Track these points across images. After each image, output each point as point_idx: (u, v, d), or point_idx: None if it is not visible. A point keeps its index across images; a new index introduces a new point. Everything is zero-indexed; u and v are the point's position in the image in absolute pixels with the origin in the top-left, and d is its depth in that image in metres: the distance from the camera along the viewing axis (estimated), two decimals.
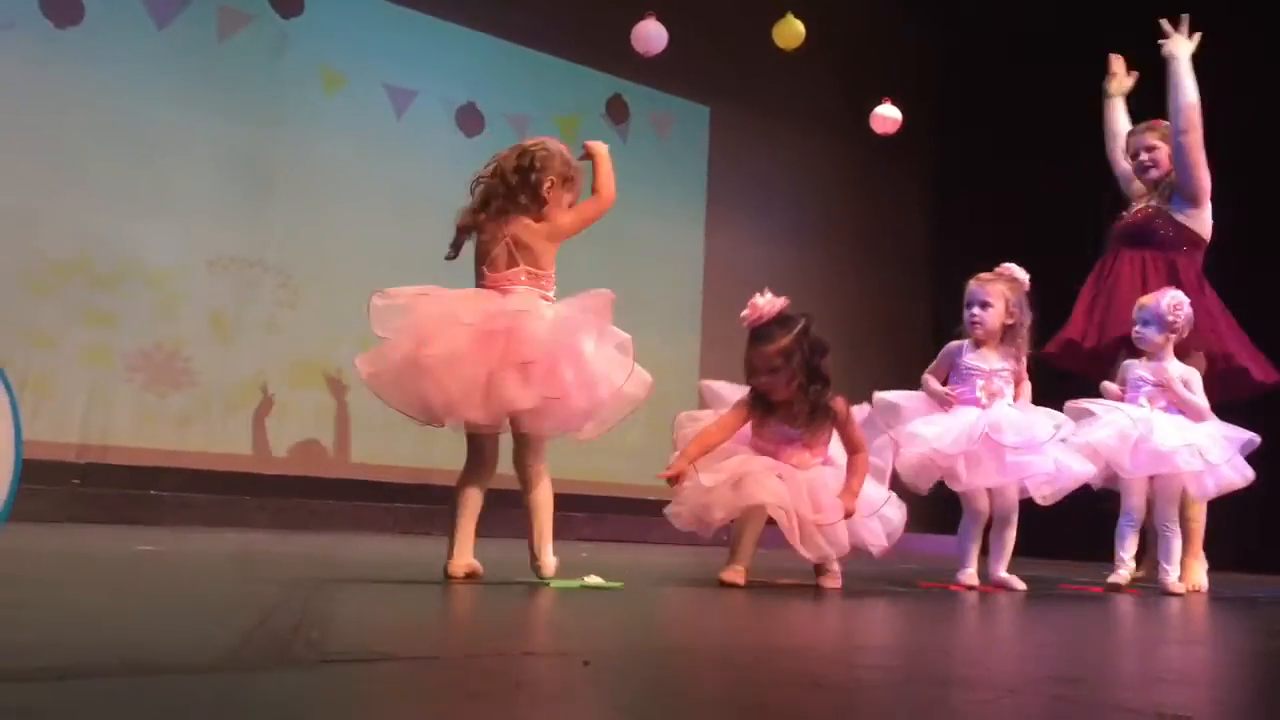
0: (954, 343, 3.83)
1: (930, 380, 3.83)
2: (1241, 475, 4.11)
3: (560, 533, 3.06)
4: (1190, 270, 4.56)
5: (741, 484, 3.13)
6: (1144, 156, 4.73)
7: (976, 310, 3.76)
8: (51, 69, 5.97)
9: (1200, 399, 4.14)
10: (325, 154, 6.74)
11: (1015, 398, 3.76)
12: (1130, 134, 4.85)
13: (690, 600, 2.85)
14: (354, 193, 6.79)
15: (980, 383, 3.73)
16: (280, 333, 6.52)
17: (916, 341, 8.70)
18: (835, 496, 3.16)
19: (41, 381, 5.72)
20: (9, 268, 5.73)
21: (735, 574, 3.12)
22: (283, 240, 6.61)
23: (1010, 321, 3.75)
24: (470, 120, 7.39)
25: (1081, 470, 3.79)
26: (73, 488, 5.49)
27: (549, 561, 2.90)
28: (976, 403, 3.70)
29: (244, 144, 6.51)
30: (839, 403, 3.23)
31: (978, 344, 3.76)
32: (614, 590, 2.83)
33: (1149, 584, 4.22)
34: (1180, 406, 4.13)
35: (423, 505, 6.10)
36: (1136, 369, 4.20)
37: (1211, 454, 4.02)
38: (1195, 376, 4.19)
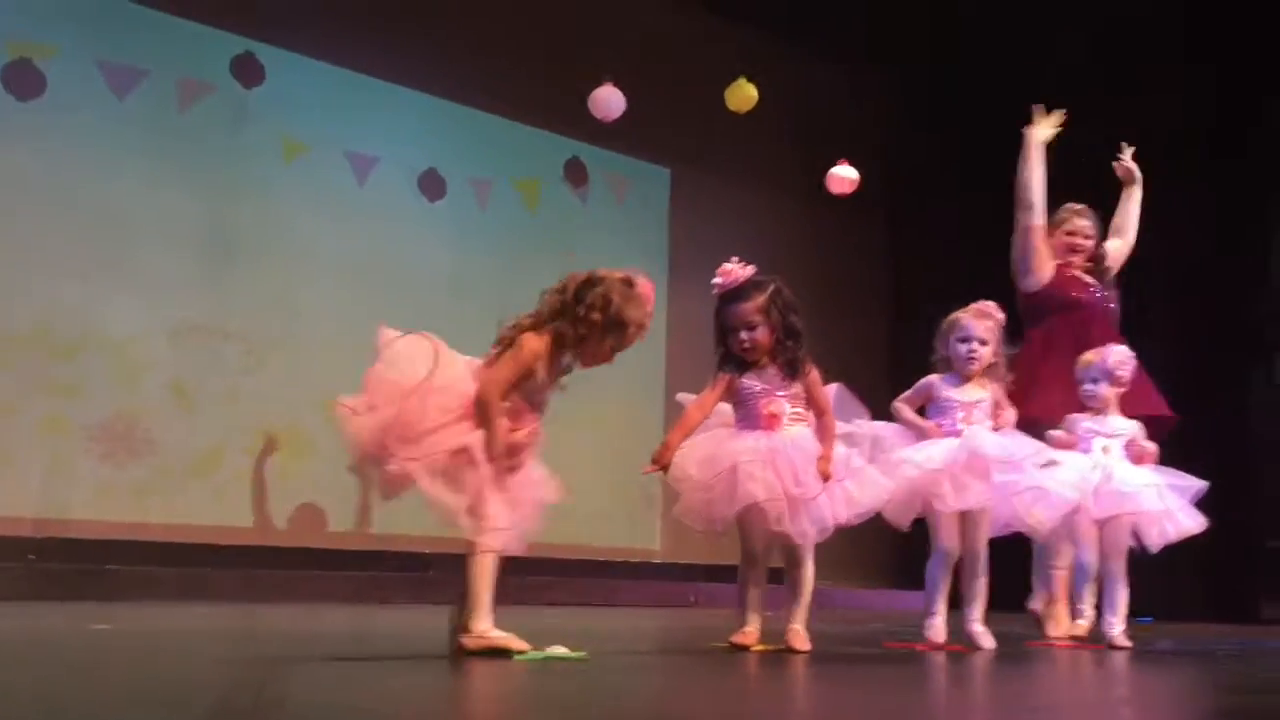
0: (932, 376, 3.88)
1: (904, 409, 3.88)
2: (1196, 522, 4.17)
3: (525, 596, 3.06)
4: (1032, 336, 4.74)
5: (735, 480, 3.21)
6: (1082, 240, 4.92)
7: (976, 346, 3.82)
8: (13, 142, 5.97)
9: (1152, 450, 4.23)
10: (287, 221, 6.76)
11: (996, 427, 3.81)
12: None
13: (647, 670, 2.84)
14: (317, 259, 6.80)
15: (960, 414, 3.77)
16: (243, 401, 6.49)
17: (880, 398, 8.76)
18: (814, 466, 3.22)
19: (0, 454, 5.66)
20: None
21: (745, 636, 3.23)
22: (245, 308, 6.60)
23: (995, 359, 3.82)
24: (432, 185, 7.44)
25: (1070, 495, 3.84)
26: (28, 564, 5.40)
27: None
28: (958, 434, 3.74)
29: (206, 213, 6.53)
30: (809, 363, 3.34)
31: (966, 379, 3.81)
32: (577, 661, 2.82)
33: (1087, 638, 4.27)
34: (1138, 458, 4.19)
35: (386, 573, 6.05)
36: (1083, 423, 4.27)
37: (1169, 498, 4.10)
38: (1140, 428, 4.27)
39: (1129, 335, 4.75)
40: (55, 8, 6.16)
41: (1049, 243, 4.85)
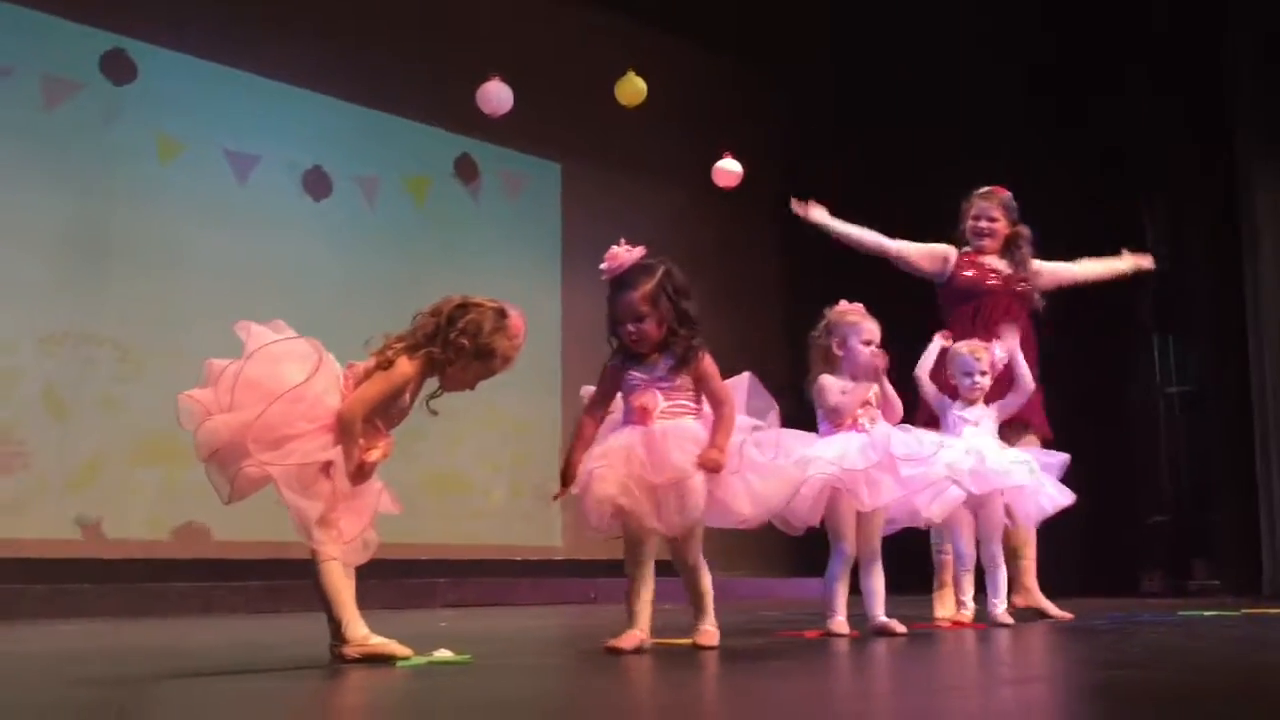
0: (825, 378, 3.90)
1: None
2: (1066, 496, 4.39)
3: (423, 600, 3.00)
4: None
5: (589, 487, 3.07)
6: (983, 223, 5.03)
7: (853, 343, 3.86)
8: None
9: None
10: (165, 223, 6.53)
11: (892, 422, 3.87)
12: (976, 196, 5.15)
13: (528, 672, 2.80)
14: (196, 261, 6.59)
15: (859, 412, 3.81)
16: (120, 409, 6.26)
17: (777, 381, 8.84)
18: (686, 452, 3.03)
19: None
20: None
21: (623, 640, 3.04)
22: (121, 314, 6.37)
23: (877, 352, 3.85)
24: (318, 184, 7.27)
25: (955, 490, 3.96)
26: None
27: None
28: (860, 429, 3.78)
29: (76, 216, 6.28)
30: (703, 353, 3.19)
31: (853, 378, 3.84)
32: (462, 665, 2.76)
33: (1027, 612, 4.45)
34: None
35: (279, 581, 5.90)
36: (954, 411, 4.43)
37: (1039, 474, 4.28)
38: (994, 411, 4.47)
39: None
40: None
41: (955, 238, 5.05)
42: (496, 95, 6.73)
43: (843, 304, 3.94)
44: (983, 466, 4.18)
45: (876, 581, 3.82)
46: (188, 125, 6.73)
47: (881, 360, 3.80)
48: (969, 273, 4.99)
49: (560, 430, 7.93)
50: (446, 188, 7.94)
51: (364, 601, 2.87)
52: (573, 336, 8.29)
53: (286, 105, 7.16)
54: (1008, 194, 5.07)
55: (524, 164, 8.30)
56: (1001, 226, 4.99)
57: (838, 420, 3.83)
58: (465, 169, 8.03)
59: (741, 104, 9.11)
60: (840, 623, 3.73)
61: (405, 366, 2.82)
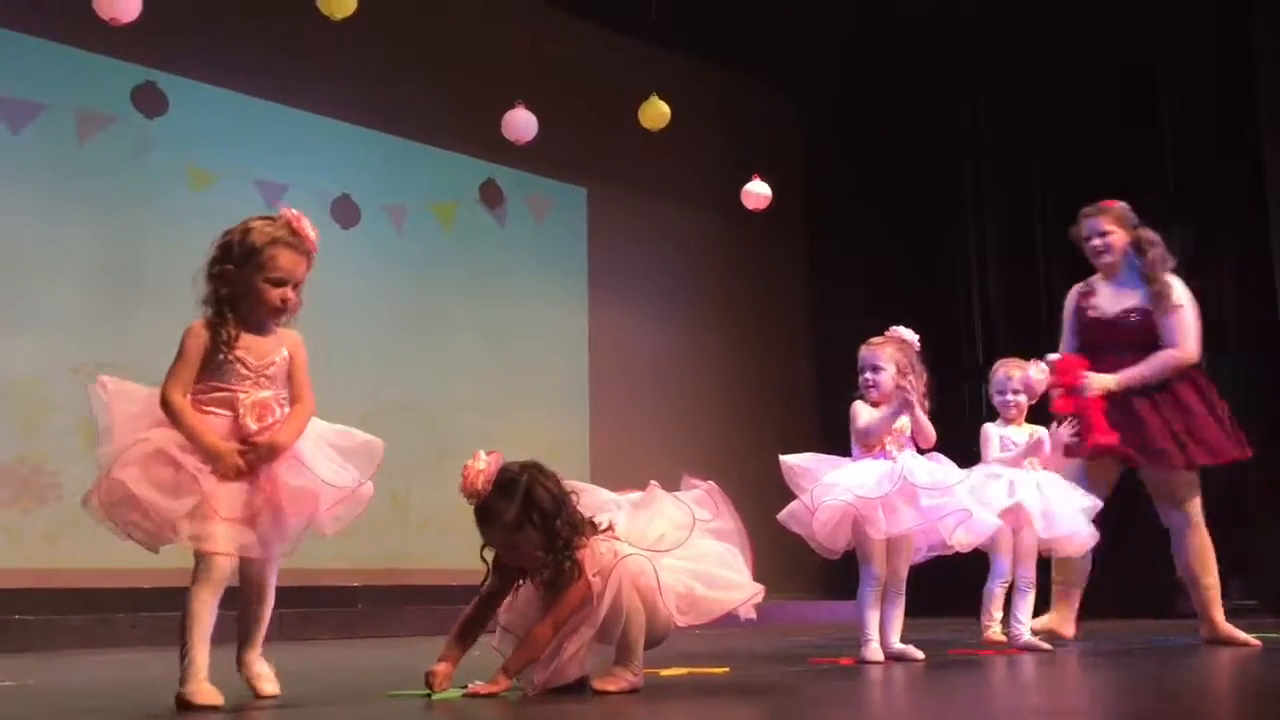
0: (857, 403, 3.90)
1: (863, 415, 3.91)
2: (1092, 536, 4.32)
3: (434, 626, 2.96)
4: None
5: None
6: (1096, 241, 4.62)
7: (869, 375, 3.85)
8: None
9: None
10: (195, 252, 6.47)
11: (920, 450, 3.85)
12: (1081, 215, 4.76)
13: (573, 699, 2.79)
14: None
15: (887, 439, 3.80)
16: None
17: (804, 406, 8.84)
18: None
19: None
20: None
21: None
22: (153, 343, 6.33)
23: (902, 382, 3.82)
24: (345, 212, 7.33)
25: (991, 520, 3.91)
26: None
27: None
28: (887, 456, 3.77)
29: (110, 247, 6.36)
30: (579, 570, 2.81)
31: (874, 405, 3.83)
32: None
33: (1053, 637, 4.39)
34: (1045, 464, 4.36)
35: (309, 609, 5.92)
36: (998, 432, 4.41)
37: (1072, 514, 4.26)
38: (1044, 433, 4.41)
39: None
40: None
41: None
42: (521, 122, 6.77)
43: (900, 332, 3.95)
44: (1050, 508, 4.18)
45: (896, 610, 3.82)
46: (217, 156, 6.81)
47: (909, 389, 3.78)
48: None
49: (588, 450, 7.95)
50: (473, 213, 7.99)
51: (401, 628, 2.86)
52: (599, 358, 8.31)
53: (314, 135, 7.23)
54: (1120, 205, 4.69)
55: (549, 189, 8.34)
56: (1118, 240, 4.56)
57: (866, 445, 3.83)
58: (491, 194, 8.07)
59: (767, 126, 9.13)
60: (874, 650, 3.71)
61: (188, 328, 2.77)
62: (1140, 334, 4.47)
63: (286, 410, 2.77)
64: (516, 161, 7.83)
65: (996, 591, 4.42)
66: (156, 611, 5.73)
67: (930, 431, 3.85)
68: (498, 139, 6.93)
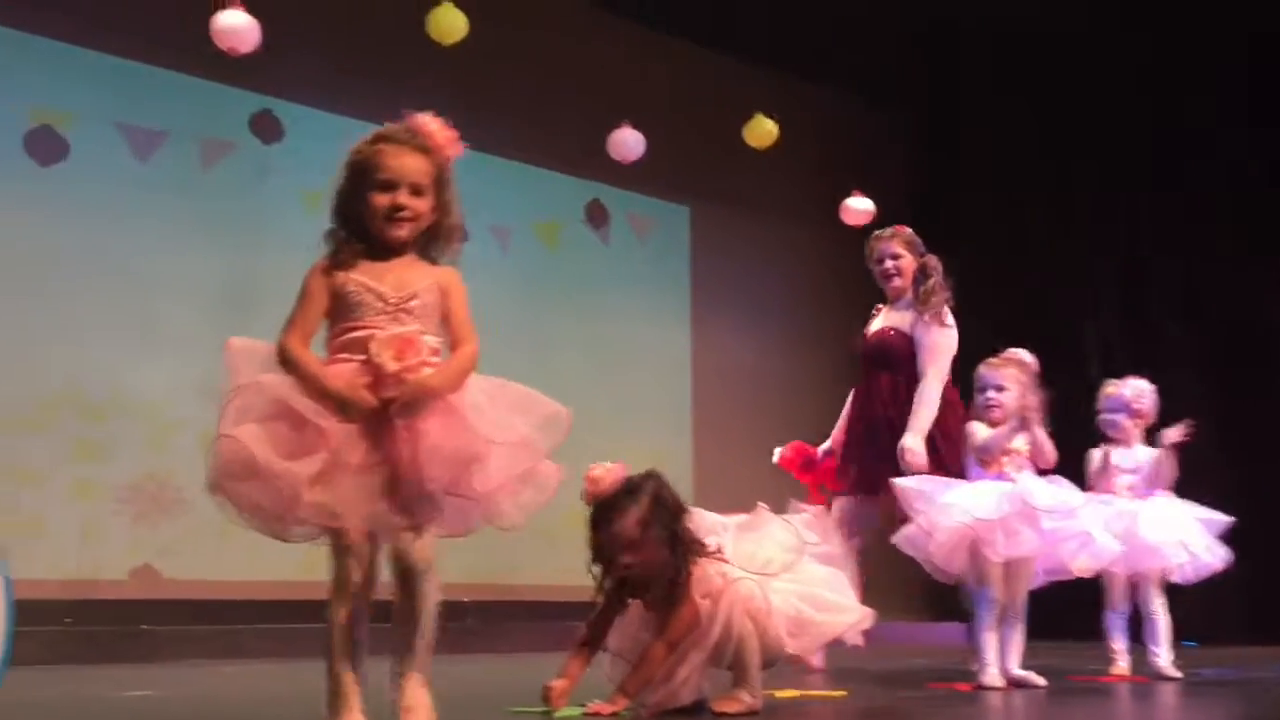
0: (971, 423, 3.86)
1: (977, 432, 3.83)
2: (1220, 559, 4.19)
3: (544, 642, 2.98)
4: None
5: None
6: (888, 264, 4.64)
7: (991, 395, 3.81)
8: (37, 207, 6.03)
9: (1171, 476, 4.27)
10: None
11: (1040, 472, 3.79)
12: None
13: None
14: None
15: (1005, 459, 3.75)
16: None
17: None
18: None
19: (32, 519, 5.68)
20: None
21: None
22: None
23: (1023, 401, 3.78)
24: None
25: (1113, 544, 3.83)
26: (64, 627, 5.40)
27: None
28: (1005, 477, 3.73)
29: (229, 269, 6.56)
30: (686, 590, 2.79)
31: (993, 426, 3.79)
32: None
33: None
34: (1153, 487, 4.24)
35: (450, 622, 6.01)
36: (1111, 456, 4.28)
37: (1194, 543, 4.10)
38: (1162, 456, 4.28)
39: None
40: (75, 74, 6.22)
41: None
42: (627, 142, 6.84)
43: (1020, 354, 3.91)
44: (1135, 539, 4.06)
45: (1016, 635, 3.76)
46: (330, 180, 6.98)
47: (1029, 407, 3.73)
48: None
49: (691, 470, 7.94)
50: (577, 233, 8.08)
51: (511, 644, 2.86)
52: (703, 376, 8.32)
53: None
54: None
55: (653, 208, 8.39)
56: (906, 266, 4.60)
57: (983, 463, 3.78)
58: (596, 214, 8.15)
59: (870, 143, 9.06)
60: (993, 675, 3.65)
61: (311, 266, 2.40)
62: (890, 353, 4.48)
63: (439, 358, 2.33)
64: (620, 181, 7.90)
65: (1115, 623, 4.27)
66: (280, 624, 5.89)
67: (1050, 452, 3.78)
68: (600, 159, 6.99)
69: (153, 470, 6.13)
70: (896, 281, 4.61)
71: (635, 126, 6.85)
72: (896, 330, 4.53)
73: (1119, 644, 4.24)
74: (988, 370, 3.86)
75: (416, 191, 2.41)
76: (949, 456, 4.17)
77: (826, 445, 4.77)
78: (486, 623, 6.39)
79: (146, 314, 6.25)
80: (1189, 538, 4.11)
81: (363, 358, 2.25)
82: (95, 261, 6.14)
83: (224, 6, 5.53)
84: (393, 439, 2.22)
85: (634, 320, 8.09)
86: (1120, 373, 4.60)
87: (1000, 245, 8.70)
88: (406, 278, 2.37)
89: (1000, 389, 3.80)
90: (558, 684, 2.81)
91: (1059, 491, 3.70)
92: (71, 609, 5.57)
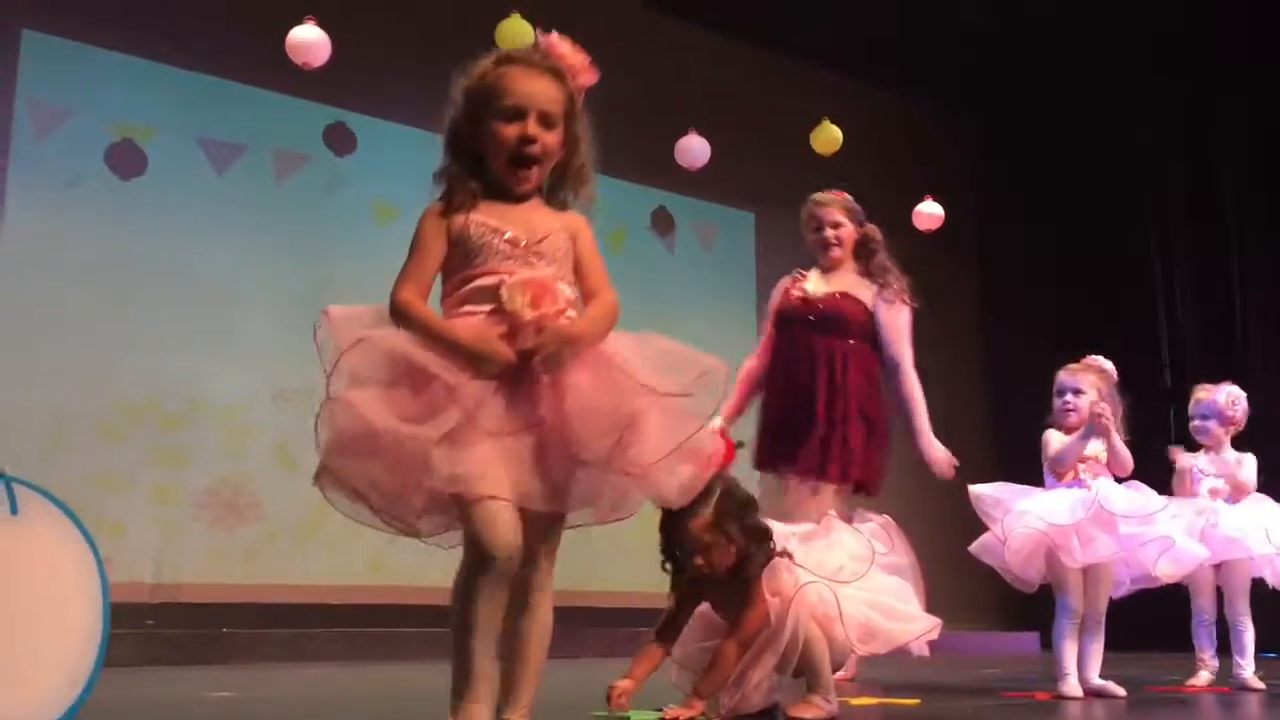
0: (1049, 431, 3.82)
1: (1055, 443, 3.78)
2: None
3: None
4: None
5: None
6: (829, 232, 4.39)
7: (1070, 398, 3.77)
8: (118, 219, 6.19)
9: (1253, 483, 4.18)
10: (382, 284, 6.78)
11: (1117, 478, 3.74)
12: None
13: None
14: None
15: (1081, 466, 3.71)
16: None
17: (974, 427, 8.63)
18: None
19: (115, 524, 5.82)
20: (82, 415, 5.88)
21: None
22: None
23: (1097, 407, 3.73)
24: None
25: (1197, 549, 3.76)
26: (148, 629, 5.54)
27: None
28: (1081, 484, 3.68)
29: (303, 279, 6.67)
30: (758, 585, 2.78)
31: (1069, 430, 3.75)
32: None
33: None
34: (1238, 494, 4.16)
35: None
36: (1197, 462, 4.22)
37: (1278, 534, 4.02)
38: (1250, 461, 4.21)
39: None
40: (155, 90, 6.39)
41: None
42: (694, 149, 6.85)
43: (1099, 361, 3.87)
44: (1215, 532, 3.97)
45: (1095, 645, 3.69)
46: (401, 191, 7.06)
47: (1103, 414, 3.68)
48: None
49: (754, 480, 7.91)
50: (643, 240, 8.10)
51: (583, 649, 2.83)
52: None
53: None
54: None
55: (719, 214, 8.39)
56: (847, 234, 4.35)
57: (1058, 472, 3.74)
58: (661, 221, 8.17)
59: (937, 149, 8.99)
60: (1072, 685, 3.59)
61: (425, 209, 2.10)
62: (842, 320, 4.17)
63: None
64: (685, 188, 7.91)
65: (1201, 632, 4.17)
66: (352, 628, 5.98)
67: (1127, 459, 3.73)
68: (665, 166, 7.01)
69: (228, 476, 6.26)
70: (836, 251, 4.35)
71: (700, 133, 6.86)
72: (850, 297, 4.24)
73: (1206, 652, 4.15)
74: (1067, 375, 3.82)
75: (547, 122, 2.09)
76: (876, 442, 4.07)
77: (718, 421, 3.92)
78: (561, 628, 6.43)
79: (223, 321, 6.39)
80: (1273, 527, 4.01)
81: (489, 308, 1.95)
82: (172, 272, 6.28)
83: (299, 22, 5.64)
84: (536, 398, 1.89)
85: (700, 326, 8.06)
86: (1195, 379, 4.52)
87: (1071, 253, 8.58)
88: (534, 218, 2.07)
89: (1078, 392, 3.77)
90: (622, 684, 2.79)
91: (1137, 496, 3.64)
92: (154, 612, 5.72)
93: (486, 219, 2.03)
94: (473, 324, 1.94)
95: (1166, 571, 3.68)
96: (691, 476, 2.00)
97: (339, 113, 6.95)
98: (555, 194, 2.16)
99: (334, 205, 6.90)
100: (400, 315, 1.97)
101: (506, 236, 2.00)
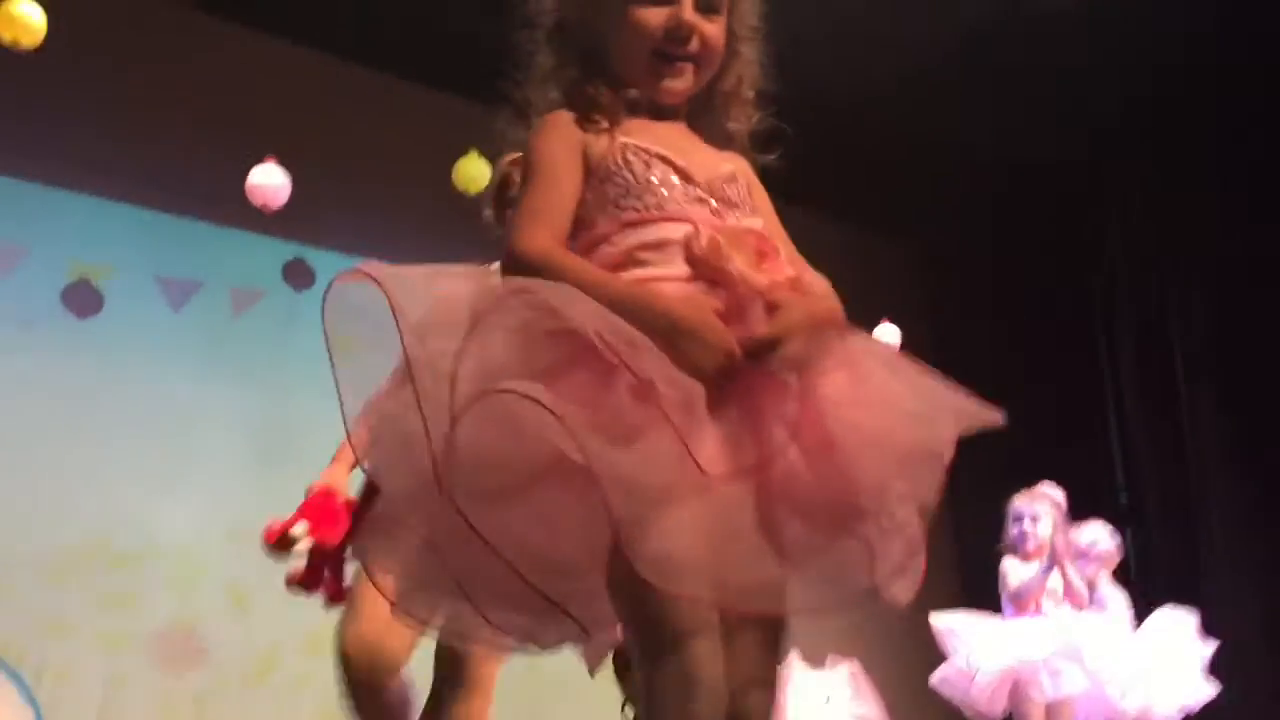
0: (1007, 561, 3.82)
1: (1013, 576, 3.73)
2: (1204, 688, 4.08)
3: None
4: None
5: None
6: None
7: (1026, 526, 3.80)
8: (73, 359, 6.14)
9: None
10: (340, 419, 6.81)
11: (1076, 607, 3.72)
12: None
13: None
14: None
15: (1043, 598, 3.71)
16: (298, 600, 6.42)
17: (941, 561, 8.59)
18: None
19: (59, 672, 5.63)
20: (27, 558, 5.73)
21: None
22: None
23: (1055, 538, 3.75)
24: None
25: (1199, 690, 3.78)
26: None
27: None
28: (1041, 614, 3.67)
29: (259, 415, 6.62)
30: None
31: (1026, 558, 3.76)
32: None
33: None
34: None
35: None
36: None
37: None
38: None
39: None
40: (112, 228, 6.40)
41: None
42: None
43: (1049, 489, 3.90)
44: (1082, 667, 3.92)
45: None
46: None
47: (1059, 546, 3.69)
48: None
49: None
50: None
51: None
52: None
53: None
54: None
55: None
56: None
57: (1020, 605, 3.73)
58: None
59: (889, 277, 9.15)
60: None
61: (537, 130, 1.46)
62: None
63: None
64: None
65: None
66: None
67: (1083, 590, 3.74)
68: None
69: (179, 617, 6.09)
70: None
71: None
72: None
73: None
74: (1022, 501, 3.85)
75: (708, 5, 1.41)
76: None
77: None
78: None
79: (177, 460, 6.29)
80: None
81: (675, 274, 1.26)
82: (128, 409, 6.21)
83: (258, 158, 5.68)
84: (764, 419, 1.19)
85: None
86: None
87: (1022, 380, 8.66)
88: (700, 151, 1.42)
89: (1035, 519, 3.79)
90: None
91: (1103, 628, 3.64)
92: None
93: (646, 142, 1.36)
94: (676, 289, 1.23)
95: (1133, 708, 3.65)
96: (916, 566, 1.33)
97: (298, 248, 6.98)
98: (704, 121, 1.46)
99: (291, 340, 6.87)
100: (545, 268, 1.30)
101: (680, 169, 1.32)
